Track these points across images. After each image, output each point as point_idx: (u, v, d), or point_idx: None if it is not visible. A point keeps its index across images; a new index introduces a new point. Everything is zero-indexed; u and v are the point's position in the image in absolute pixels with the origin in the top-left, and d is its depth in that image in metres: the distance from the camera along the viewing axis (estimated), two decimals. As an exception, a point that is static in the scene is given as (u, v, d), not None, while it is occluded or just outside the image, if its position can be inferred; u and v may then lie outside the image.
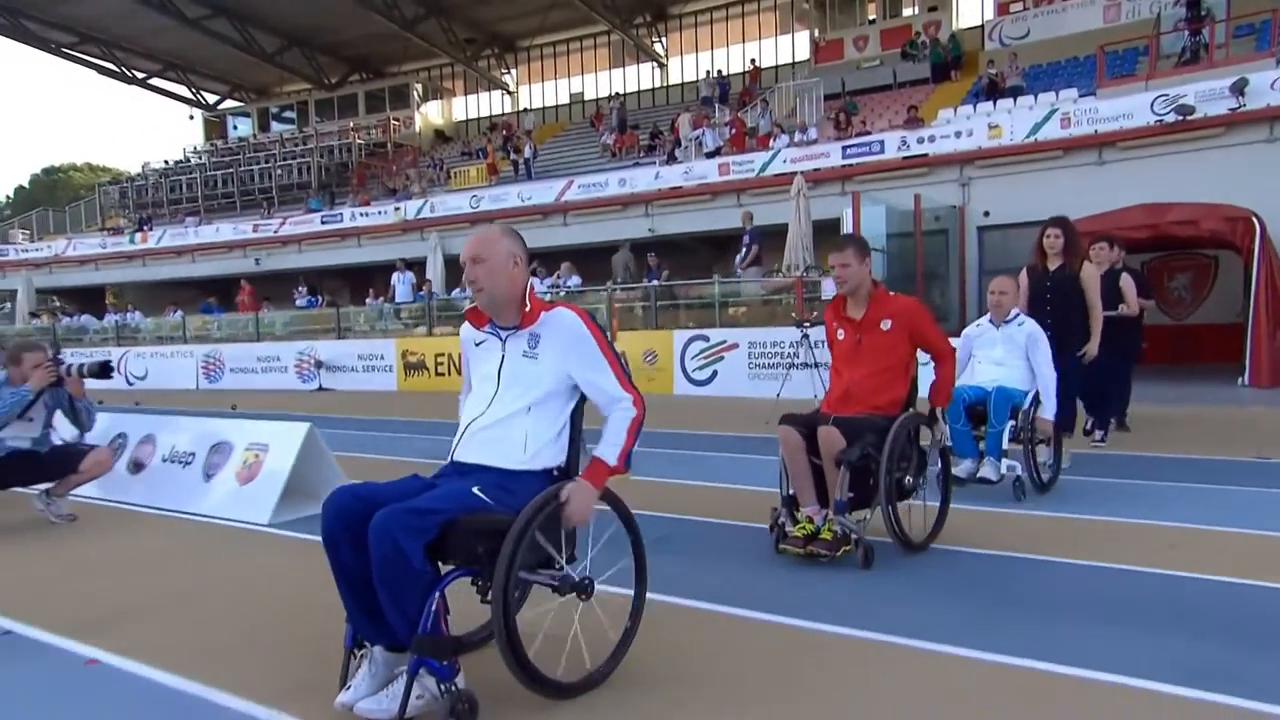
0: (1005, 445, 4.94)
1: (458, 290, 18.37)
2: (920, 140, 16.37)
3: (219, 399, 14.29)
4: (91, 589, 3.79)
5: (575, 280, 16.18)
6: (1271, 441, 6.82)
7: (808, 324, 9.50)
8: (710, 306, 13.84)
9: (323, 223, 23.60)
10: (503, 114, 33.20)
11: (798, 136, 18.44)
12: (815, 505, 3.83)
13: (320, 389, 16.06)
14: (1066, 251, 5.82)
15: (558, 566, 2.47)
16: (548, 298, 16.02)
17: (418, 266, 21.32)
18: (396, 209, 22.49)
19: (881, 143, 16.97)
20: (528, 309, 2.56)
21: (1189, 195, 12.59)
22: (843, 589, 3.48)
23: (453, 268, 21.34)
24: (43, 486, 5.23)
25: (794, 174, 16.90)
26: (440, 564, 2.30)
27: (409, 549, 2.17)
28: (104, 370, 5.07)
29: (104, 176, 50.77)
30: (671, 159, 20.46)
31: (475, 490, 2.38)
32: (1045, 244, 5.86)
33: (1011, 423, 4.96)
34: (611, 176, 20.40)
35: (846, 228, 12.55)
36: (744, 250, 13.76)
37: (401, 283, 18.03)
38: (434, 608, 2.21)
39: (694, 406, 11.11)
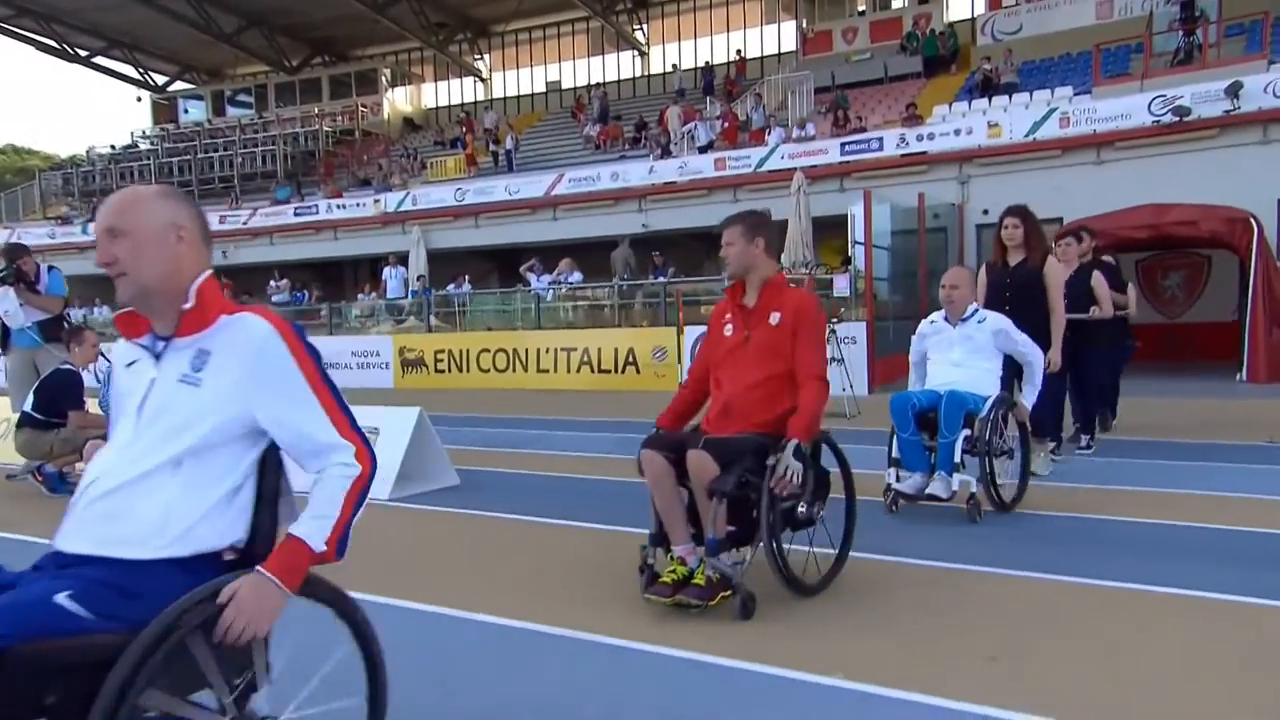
0: (958, 458, 4.62)
1: (452, 285, 18.97)
2: (920, 138, 17.45)
3: None
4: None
5: (577, 276, 16.92)
6: None
7: (835, 320, 10.35)
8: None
9: (296, 215, 24.03)
10: (475, 101, 33.77)
11: (796, 132, 19.38)
12: (689, 544, 3.39)
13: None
14: (1028, 244, 5.60)
15: (225, 698, 1.72)
16: (549, 295, 16.60)
17: (396, 261, 21.90)
18: (376, 201, 23.02)
19: (881, 140, 18.01)
20: (189, 307, 1.84)
21: (1185, 196, 13.78)
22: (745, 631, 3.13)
23: (437, 262, 21.95)
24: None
25: (792, 170, 17.90)
26: None
27: None
28: None
29: (31, 160, 50.07)
30: (666, 153, 21.28)
31: (60, 599, 1.60)
32: (1003, 235, 5.65)
33: (966, 432, 4.64)
34: (603, 170, 21.18)
35: (855, 225, 13.47)
36: None
37: (393, 277, 18.61)
38: None
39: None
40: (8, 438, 7.91)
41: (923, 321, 5.21)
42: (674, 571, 3.38)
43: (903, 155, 17.68)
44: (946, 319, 5.04)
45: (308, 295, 21.10)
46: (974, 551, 4.17)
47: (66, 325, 7.11)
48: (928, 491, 4.65)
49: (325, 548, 1.79)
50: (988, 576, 3.81)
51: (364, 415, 6.18)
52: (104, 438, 5.33)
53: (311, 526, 1.81)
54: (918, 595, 3.59)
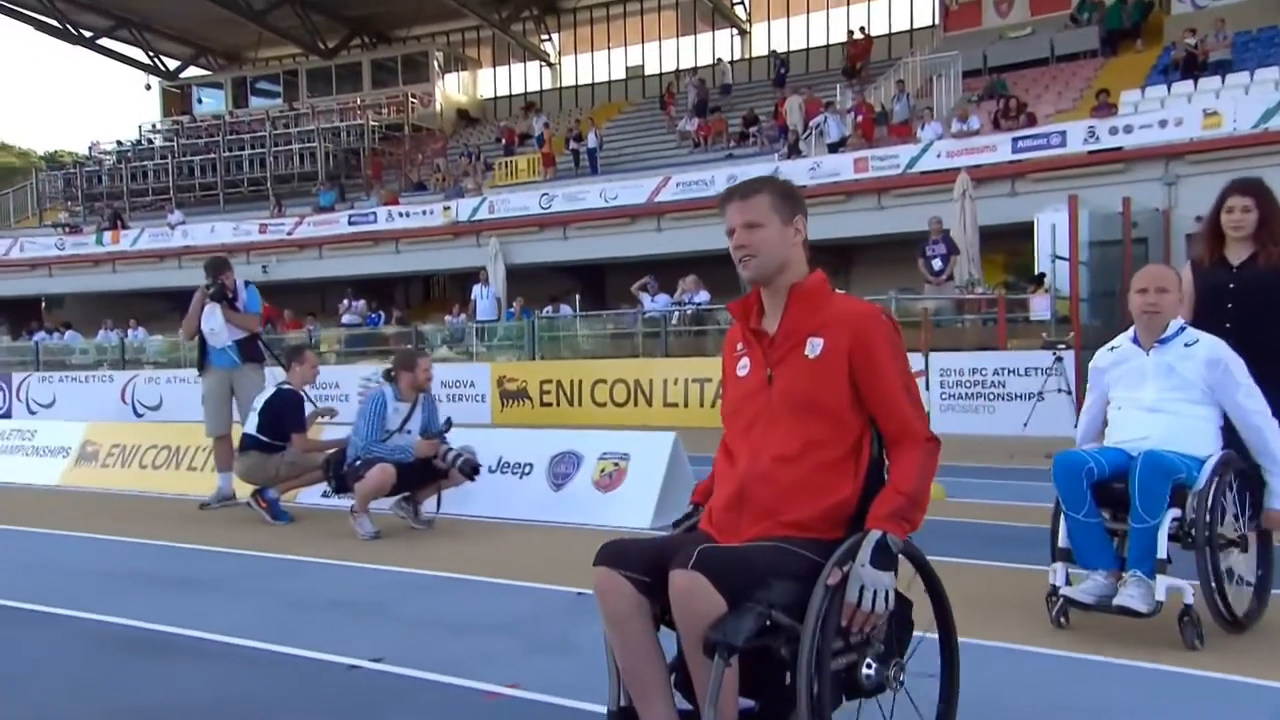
0: (1163, 551, 3.90)
1: (550, 307, 19.98)
2: (1113, 131, 18.08)
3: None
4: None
5: (704, 296, 17.81)
6: None
7: (1063, 346, 11.02)
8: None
9: (351, 224, 25.34)
10: (540, 90, 35.16)
11: (956, 125, 20.14)
12: (669, 716, 2.56)
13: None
14: (1261, 235, 4.70)
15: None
16: (674, 318, 17.41)
17: (468, 279, 22.96)
18: (446, 209, 24.22)
19: (1063, 134, 18.67)
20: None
21: None
22: None
23: (516, 280, 22.98)
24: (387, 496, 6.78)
25: (953, 171, 18.65)
26: None
27: None
28: (473, 472, 6.65)
29: (5, 156, 52.70)
30: (794, 152, 22.17)
31: None
32: (1226, 221, 4.74)
33: (1175, 512, 3.95)
34: (717, 173, 22.09)
35: (1054, 236, 14.12)
36: (938, 263, 15.29)
37: (484, 297, 19.66)
38: None
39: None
40: (180, 465, 8.97)
41: (1100, 351, 4.45)
42: None
43: (1091, 153, 18.31)
44: (1136, 341, 4.25)
45: (384, 317, 22.26)
46: (1202, 705, 3.41)
47: (261, 345, 8.12)
48: (1117, 602, 3.89)
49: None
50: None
51: (606, 441, 7.07)
52: (331, 461, 6.29)
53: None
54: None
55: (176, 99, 37.82)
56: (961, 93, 24.09)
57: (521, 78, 36.08)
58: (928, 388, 9.24)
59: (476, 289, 20.02)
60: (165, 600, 5.07)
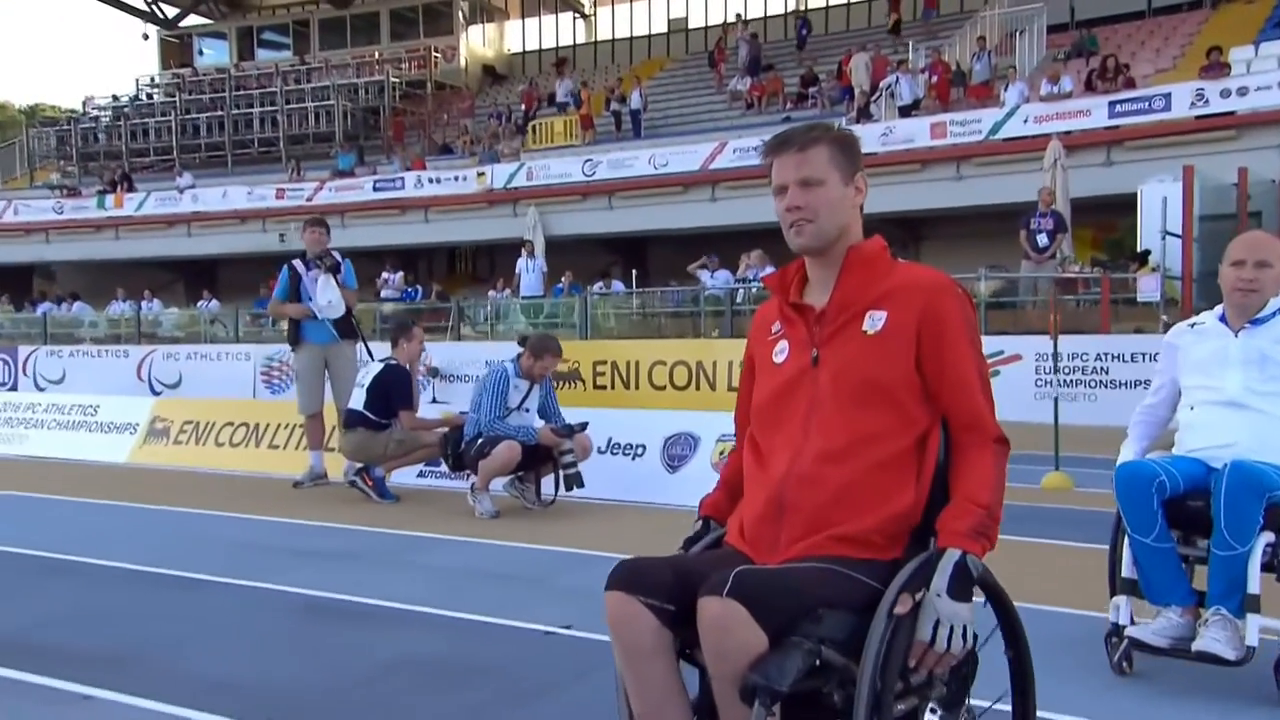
0: (1255, 585, 3.55)
1: (599, 283, 20.42)
2: (1224, 94, 18.26)
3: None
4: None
5: (770, 271, 18.19)
6: None
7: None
8: (976, 306, 15.78)
9: (376, 190, 25.81)
10: (574, 45, 35.40)
11: (1046, 88, 20.36)
12: None
13: (434, 403, 18.06)
14: None
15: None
16: (739, 296, 17.78)
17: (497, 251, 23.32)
18: (480, 174, 24.66)
19: (1167, 97, 18.82)
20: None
21: None
22: None
23: (557, 251, 23.38)
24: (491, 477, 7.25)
25: (1042, 137, 18.89)
26: None
27: None
28: (575, 485, 7.03)
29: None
30: (864, 115, 22.46)
31: None
32: None
33: (1269, 537, 3.59)
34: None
35: (1165, 209, 14.37)
36: (1044, 238, 15.55)
37: (529, 270, 20.09)
38: None
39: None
40: (259, 443, 9.50)
41: (1177, 327, 4.14)
42: None
43: (1198, 118, 18.51)
44: (1224, 320, 3.89)
45: (423, 291, 22.73)
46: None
47: (354, 321, 8.60)
48: (1196, 646, 3.54)
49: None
50: None
51: (724, 423, 7.51)
52: (449, 438, 6.77)
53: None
54: None
55: (176, 50, 38.27)
56: (1046, 49, 24.30)
57: (553, 30, 36.39)
58: (1056, 371, 9.59)
59: (521, 261, 20.43)
60: (329, 571, 5.58)
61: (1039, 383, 14.15)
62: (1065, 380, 13.93)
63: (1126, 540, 3.77)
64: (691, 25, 34.33)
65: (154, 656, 4.16)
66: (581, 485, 7.10)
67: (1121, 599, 3.83)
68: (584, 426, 7.30)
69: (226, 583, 5.32)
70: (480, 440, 6.99)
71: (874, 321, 2.43)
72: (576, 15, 36.07)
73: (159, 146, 32.35)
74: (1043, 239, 15.65)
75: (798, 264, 2.58)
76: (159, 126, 32.50)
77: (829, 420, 2.41)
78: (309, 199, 26.24)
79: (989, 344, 14.60)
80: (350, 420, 7.69)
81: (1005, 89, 21.24)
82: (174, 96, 33.63)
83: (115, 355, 20.65)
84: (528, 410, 7.25)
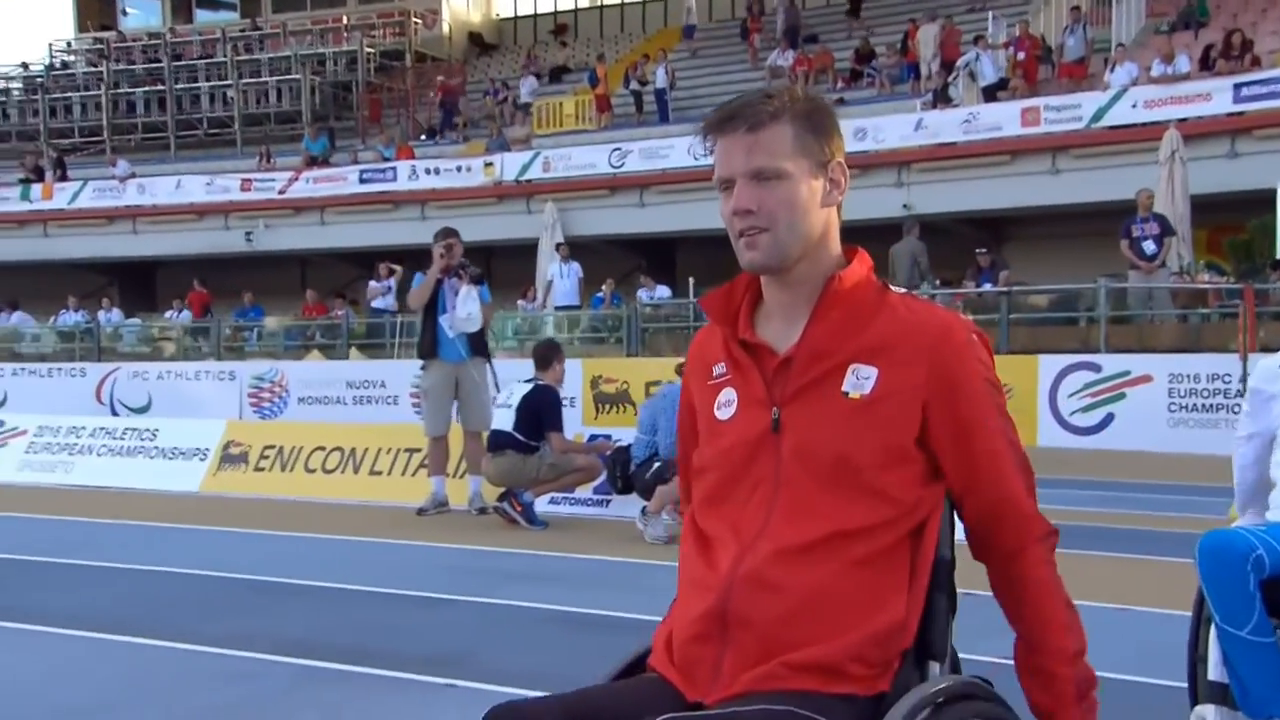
0: None
1: (642, 290, 21.74)
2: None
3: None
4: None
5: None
6: None
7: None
8: (1095, 322, 17.07)
9: (363, 181, 26.98)
10: (574, 9, 36.54)
11: (1158, 68, 21.66)
12: None
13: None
14: None
15: None
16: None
17: (516, 251, 24.48)
18: (488, 165, 25.89)
19: (1303, 78, 19.98)
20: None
21: None
22: None
23: (573, 253, 24.40)
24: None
25: (1155, 125, 19.95)
26: None
27: None
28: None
29: None
30: (941, 99, 23.82)
31: None
32: None
33: None
34: (845, 125, 23.81)
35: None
36: (1150, 245, 16.94)
37: (564, 276, 21.36)
38: None
39: (1076, 462, 14.04)
40: (359, 469, 10.92)
41: (1264, 363, 4.11)
42: None
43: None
44: None
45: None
46: None
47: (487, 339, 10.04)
48: None
49: None
50: None
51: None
52: (617, 461, 8.27)
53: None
54: None
55: (95, 8, 39.02)
56: (1145, 19, 25.52)
57: (551, -8, 37.29)
58: (1243, 395, 10.81)
59: (555, 267, 21.62)
60: (544, 590, 6.86)
61: (1173, 407, 15.06)
62: (1206, 404, 15.20)
63: (1213, 632, 3.59)
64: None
65: (483, 654, 5.48)
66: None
67: (1209, 709, 3.66)
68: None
69: (471, 600, 6.63)
70: (658, 464, 8.37)
71: (859, 381, 2.17)
72: (578, -29, 37.20)
73: (85, 126, 33.36)
74: (1149, 246, 16.68)
75: (746, 280, 2.32)
76: (84, 101, 33.44)
77: (793, 505, 2.16)
78: (281, 191, 27.34)
79: (1111, 363, 15.71)
80: (498, 442, 8.97)
81: (1110, 70, 22.07)
82: (99, 66, 34.50)
83: (69, 374, 21.48)
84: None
